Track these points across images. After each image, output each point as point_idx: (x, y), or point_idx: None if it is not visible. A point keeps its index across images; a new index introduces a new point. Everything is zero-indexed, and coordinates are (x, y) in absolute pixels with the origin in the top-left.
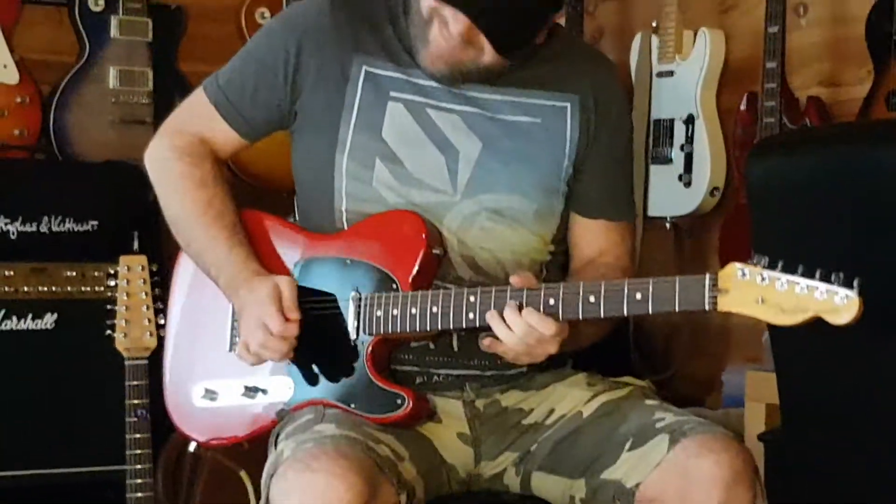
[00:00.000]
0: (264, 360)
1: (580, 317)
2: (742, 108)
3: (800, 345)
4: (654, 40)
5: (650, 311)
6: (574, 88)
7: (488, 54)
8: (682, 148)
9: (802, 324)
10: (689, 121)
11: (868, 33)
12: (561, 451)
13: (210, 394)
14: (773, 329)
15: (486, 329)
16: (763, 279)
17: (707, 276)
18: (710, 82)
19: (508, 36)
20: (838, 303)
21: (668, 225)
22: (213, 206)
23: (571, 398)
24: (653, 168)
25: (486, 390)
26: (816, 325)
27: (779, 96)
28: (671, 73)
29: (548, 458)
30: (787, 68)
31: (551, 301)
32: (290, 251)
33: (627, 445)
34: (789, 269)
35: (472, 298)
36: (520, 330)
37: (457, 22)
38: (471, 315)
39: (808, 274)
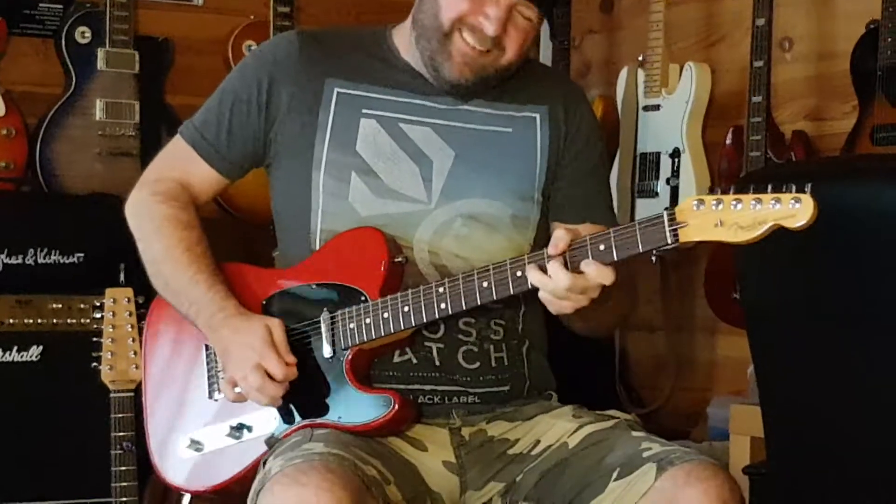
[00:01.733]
0: (248, 400)
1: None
2: (728, 141)
3: (784, 377)
4: (641, 74)
5: (616, 258)
6: (543, 101)
7: (510, 51)
8: (668, 181)
9: (763, 236)
10: (675, 154)
11: (853, 68)
12: (547, 482)
13: (195, 444)
14: (758, 361)
15: (460, 315)
16: (718, 204)
17: (664, 211)
18: (696, 116)
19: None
20: (792, 207)
21: (653, 258)
22: (197, 247)
23: (557, 429)
24: (639, 201)
25: (472, 418)
26: (801, 356)
27: (764, 130)
28: (657, 107)
29: (534, 490)
30: (772, 102)
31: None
32: (256, 290)
33: (614, 475)
34: (742, 190)
35: (440, 290)
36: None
37: (494, 20)
38: (442, 305)
39: (760, 190)
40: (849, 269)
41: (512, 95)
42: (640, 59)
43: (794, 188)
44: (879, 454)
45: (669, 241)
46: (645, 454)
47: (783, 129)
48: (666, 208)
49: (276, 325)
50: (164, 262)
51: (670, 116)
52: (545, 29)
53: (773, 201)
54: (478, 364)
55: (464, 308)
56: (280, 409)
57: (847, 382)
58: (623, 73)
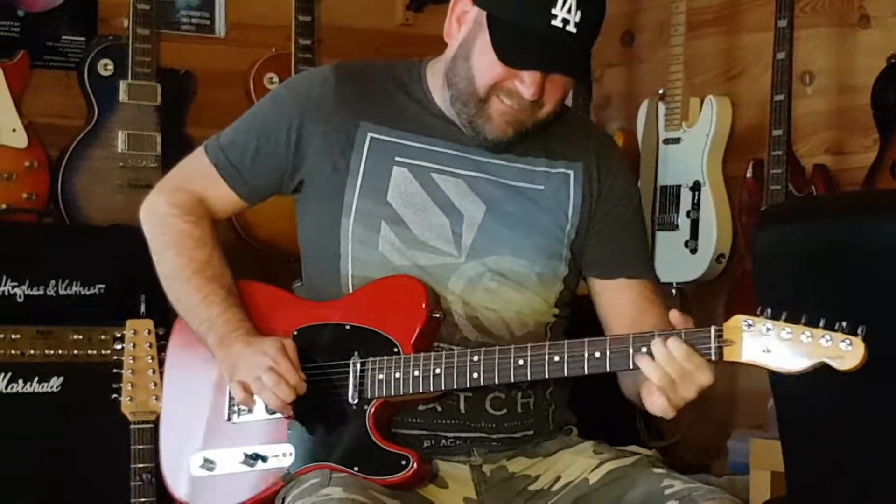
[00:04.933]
0: (254, 405)
1: (586, 371)
2: (748, 175)
3: (805, 412)
4: (661, 107)
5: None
6: (577, 157)
7: (548, 105)
8: (688, 214)
9: (808, 371)
10: (696, 187)
11: (874, 102)
12: None
13: (208, 463)
14: (778, 395)
15: (493, 389)
16: (768, 329)
17: (712, 328)
18: (717, 149)
19: (586, 65)
20: (843, 349)
21: (674, 291)
22: (210, 266)
23: (578, 466)
24: (659, 234)
25: (493, 455)
26: (821, 392)
27: (785, 164)
28: (678, 140)
29: None
30: (793, 136)
31: (556, 358)
32: (287, 318)
33: None
34: (793, 318)
35: (475, 358)
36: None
37: (531, 85)
38: (475, 375)
39: (812, 323)
40: (869, 304)
41: (545, 150)
42: (661, 92)
43: (846, 326)
44: None
45: (713, 357)
46: (667, 492)
47: (804, 163)
48: (714, 326)
49: (289, 342)
50: (175, 280)
51: (691, 149)
52: None
53: (824, 337)
54: (505, 411)
55: (496, 383)
56: (296, 445)
57: (869, 417)
58: (643, 106)
